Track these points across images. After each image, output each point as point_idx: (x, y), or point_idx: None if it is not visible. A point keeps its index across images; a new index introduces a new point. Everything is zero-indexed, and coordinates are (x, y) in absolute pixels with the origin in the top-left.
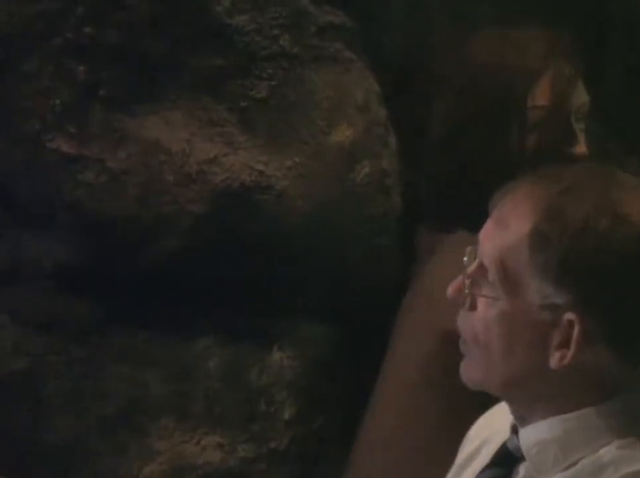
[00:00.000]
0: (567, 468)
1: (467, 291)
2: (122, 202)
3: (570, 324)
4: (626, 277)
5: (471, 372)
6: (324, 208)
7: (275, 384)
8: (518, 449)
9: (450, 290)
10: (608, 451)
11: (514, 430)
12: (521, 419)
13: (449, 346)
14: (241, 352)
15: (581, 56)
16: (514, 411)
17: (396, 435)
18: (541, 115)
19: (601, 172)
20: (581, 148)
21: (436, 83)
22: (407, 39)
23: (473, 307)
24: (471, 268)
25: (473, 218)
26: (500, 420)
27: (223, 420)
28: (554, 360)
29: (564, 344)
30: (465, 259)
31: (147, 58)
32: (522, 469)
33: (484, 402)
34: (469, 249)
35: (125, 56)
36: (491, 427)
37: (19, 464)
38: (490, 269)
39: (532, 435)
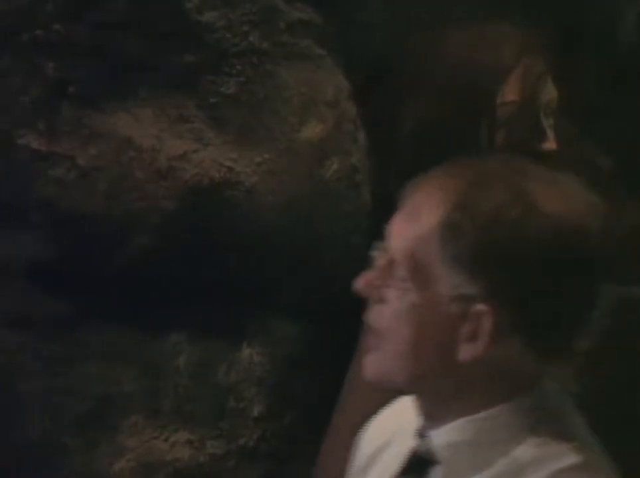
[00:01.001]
0: (483, 469)
1: (377, 283)
2: (92, 198)
3: (481, 316)
4: (538, 268)
5: (377, 367)
6: (294, 204)
7: (244, 380)
8: (430, 452)
9: (360, 283)
10: (525, 450)
11: (422, 434)
12: (431, 419)
13: None
14: (210, 349)
15: (551, 52)
16: (424, 411)
17: None
18: (510, 111)
19: (514, 163)
20: (550, 144)
21: (406, 79)
22: (377, 35)
23: (383, 300)
24: (381, 261)
25: None
26: (400, 421)
27: (192, 417)
28: (464, 353)
29: (475, 336)
30: (375, 252)
31: (117, 55)
32: (435, 473)
33: None
34: (378, 242)
35: (95, 53)
36: (391, 429)
37: None
38: (401, 262)
39: (444, 437)
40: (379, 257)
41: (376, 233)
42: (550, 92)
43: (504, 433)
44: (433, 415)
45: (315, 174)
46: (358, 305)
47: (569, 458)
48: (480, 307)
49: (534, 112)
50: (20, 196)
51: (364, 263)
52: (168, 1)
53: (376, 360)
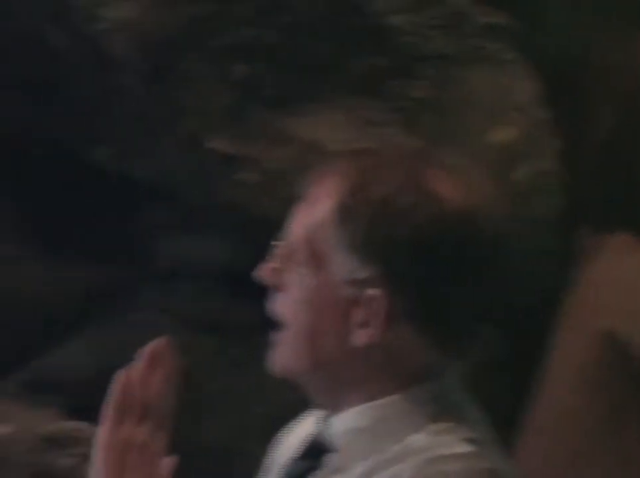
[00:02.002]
0: (374, 455)
1: (276, 272)
2: (277, 201)
3: (374, 300)
4: (430, 255)
5: (281, 358)
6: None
7: None
8: (327, 439)
9: (261, 272)
10: (419, 439)
11: (322, 421)
12: (330, 408)
13: (611, 348)
14: None
15: None
16: (323, 400)
17: (556, 438)
18: None
19: (414, 151)
20: None
21: (599, 85)
22: (569, 40)
23: (284, 288)
24: (282, 250)
25: (635, 220)
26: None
27: None
28: (358, 338)
29: (368, 322)
30: (276, 242)
31: (307, 59)
32: (331, 460)
33: None
34: (281, 233)
35: (285, 56)
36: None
37: (180, 463)
38: (298, 249)
39: (342, 424)
40: (280, 247)
41: (568, 237)
42: None
43: (400, 421)
44: (332, 403)
45: (505, 178)
46: (546, 308)
47: (458, 448)
48: (373, 291)
49: None
50: (208, 199)
51: (551, 265)
52: (358, 4)
53: (281, 353)
